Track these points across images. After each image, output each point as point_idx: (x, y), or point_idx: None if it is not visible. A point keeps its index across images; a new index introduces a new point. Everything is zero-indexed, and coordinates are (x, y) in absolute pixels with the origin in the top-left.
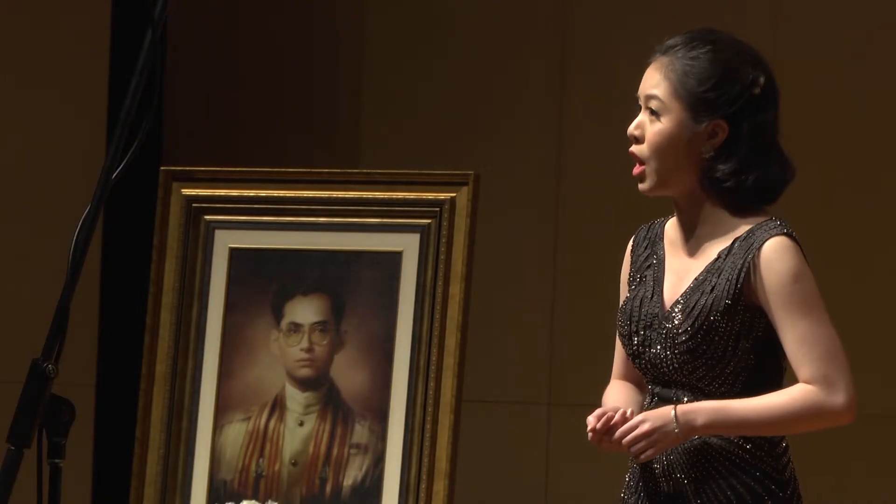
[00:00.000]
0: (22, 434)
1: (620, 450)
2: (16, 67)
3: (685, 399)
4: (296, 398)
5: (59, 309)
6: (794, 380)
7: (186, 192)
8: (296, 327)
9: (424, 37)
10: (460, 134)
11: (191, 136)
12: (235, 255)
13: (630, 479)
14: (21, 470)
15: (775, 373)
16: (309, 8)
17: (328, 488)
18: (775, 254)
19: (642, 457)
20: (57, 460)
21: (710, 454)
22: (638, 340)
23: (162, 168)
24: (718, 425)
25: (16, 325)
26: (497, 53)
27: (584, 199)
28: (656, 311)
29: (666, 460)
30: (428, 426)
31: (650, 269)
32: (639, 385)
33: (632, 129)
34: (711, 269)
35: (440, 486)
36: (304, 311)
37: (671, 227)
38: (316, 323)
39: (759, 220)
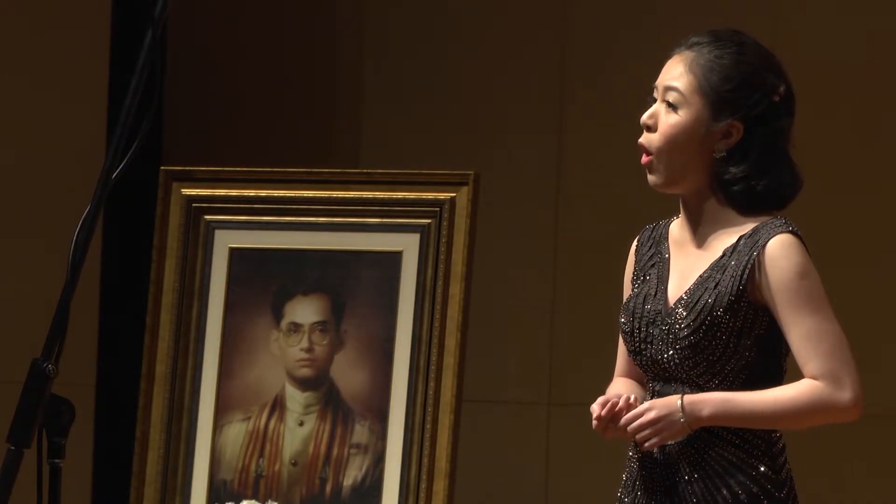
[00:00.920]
0: (22, 434)
1: (625, 437)
2: (16, 67)
3: None
4: (296, 398)
5: (59, 309)
6: (794, 381)
7: (186, 192)
8: (296, 327)
9: (424, 37)
10: (460, 134)
11: (191, 136)
12: (235, 255)
13: (627, 479)
14: (21, 470)
15: (776, 372)
16: (309, 8)
17: (328, 488)
18: (781, 251)
19: (647, 444)
20: (57, 460)
21: (707, 454)
22: (640, 337)
23: (162, 168)
24: (724, 416)
25: (16, 325)
26: (497, 53)
27: (584, 199)
28: (659, 307)
29: (662, 460)
30: (428, 426)
31: (654, 267)
32: (641, 383)
33: (645, 118)
34: (716, 266)
35: (440, 486)
36: (305, 311)
37: (676, 227)
38: (316, 323)
39: (765, 218)
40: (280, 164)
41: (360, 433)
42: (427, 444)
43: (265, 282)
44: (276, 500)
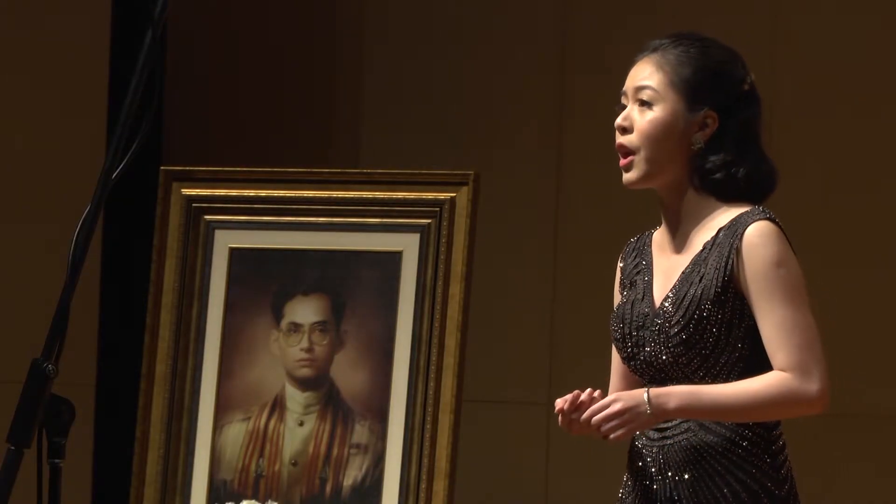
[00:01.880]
0: (22, 434)
1: (590, 432)
2: (16, 67)
3: None
4: (296, 398)
5: (59, 309)
6: None
7: (186, 192)
8: (296, 327)
9: (424, 37)
10: (460, 134)
11: (191, 136)
12: (235, 255)
13: (628, 479)
14: (21, 470)
15: (770, 362)
16: (309, 8)
17: (328, 488)
18: (759, 239)
19: (612, 437)
20: (57, 460)
21: (707, 452)
22: (632, 342)
23: (162, 168)
24: (690, 409)
25: (16, 325)
26: (497, 53)
27: (584, 199)
28: (647, 310)
29: (662, 459)
30: (428, 426)
31: (640, 274)
32: None
33: (619, 121)
34: (698, 261)
35: (440, 486)
36: (304, 311)
37: (658, 234)
38: (316, 323)
39: (744, 209)
40: (280, 164)
41: (360, 433)
42: (427, 444)
43: (265, 282)
44: (276, 500)
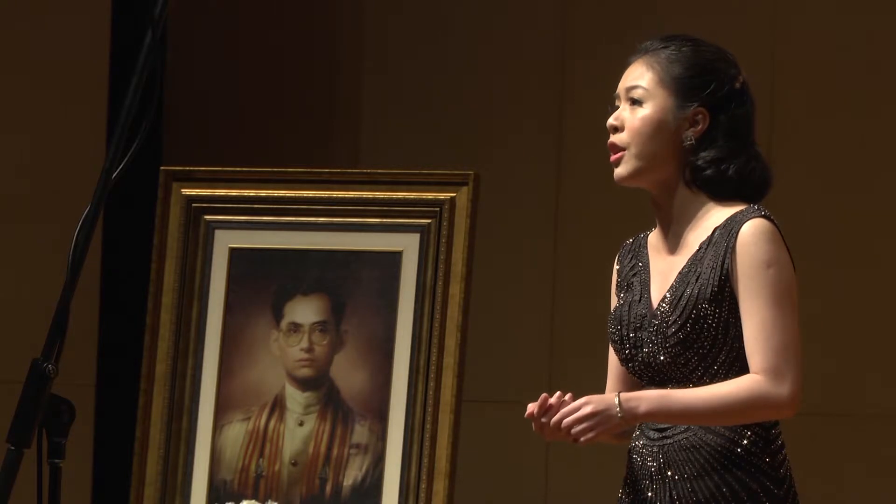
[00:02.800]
0: (22, 434)
1: (561, 436)
2: (16, 67)
3: None
4: (296, 398)
5: (59, 309)
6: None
7: (186, 192)
8: (296, 327)
9: (424, 37)
10: (460, 134)
11: (191, 136)
12: (235, 255)
13: (628, 479)
14: (21, 470)
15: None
16: (308, 8)
17: (328, 488)
18: (752, 237)
19: (582, 440)
20: (57, 460)
21: (706, 451)
22: (629, 344)
23: (162, 168)
24: (661, 413)
25: (16, 325)
26: (497, 53)
27: (584, 199)
28: (644, 311)
29: (662, 458)
30: (428, 426)
31: (636, 276)
32: None
33: (611, 120)
34: (694, 261)
35: (440, 486)
36: (304, 311)
37: (653, 236)
38: (316, 323)
39: (739, 208)
40: (280, 164)
41: (360, 433)
42: (427, 444)
43: (265, 282)
44: (276, 500)
